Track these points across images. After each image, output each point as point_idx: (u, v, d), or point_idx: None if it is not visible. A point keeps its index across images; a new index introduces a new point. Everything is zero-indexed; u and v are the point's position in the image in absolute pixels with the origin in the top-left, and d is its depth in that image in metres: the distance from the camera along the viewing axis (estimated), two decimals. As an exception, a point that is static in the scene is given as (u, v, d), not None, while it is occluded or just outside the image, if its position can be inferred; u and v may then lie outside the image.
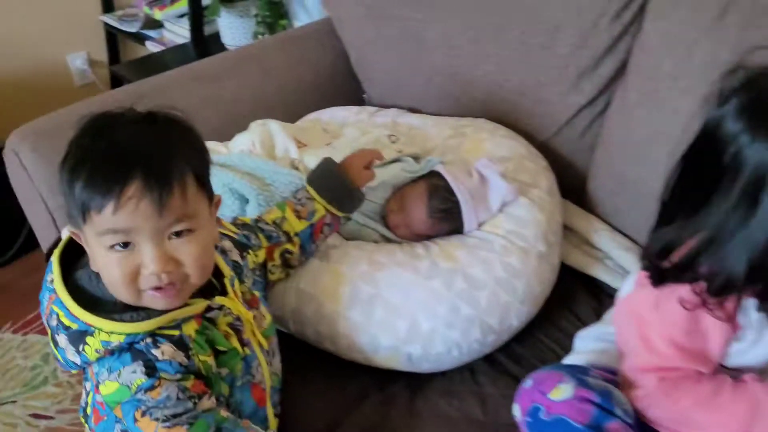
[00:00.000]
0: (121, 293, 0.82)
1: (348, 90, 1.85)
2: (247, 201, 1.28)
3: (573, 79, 1.39)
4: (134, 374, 0.80)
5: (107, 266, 0.81)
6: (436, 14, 1.56)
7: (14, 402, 1.90)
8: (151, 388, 0.80)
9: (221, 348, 0.91)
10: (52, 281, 0.86)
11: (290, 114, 1.71)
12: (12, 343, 2.12)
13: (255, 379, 0.98)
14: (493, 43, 1.48)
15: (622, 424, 0.90)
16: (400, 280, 1.14)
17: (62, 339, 0.82)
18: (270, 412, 1.02)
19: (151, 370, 0.81)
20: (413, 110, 1.67)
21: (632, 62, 1.33)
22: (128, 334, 0.81)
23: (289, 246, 1.13)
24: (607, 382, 0.95)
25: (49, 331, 0.86)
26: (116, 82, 2.97)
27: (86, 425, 0.97)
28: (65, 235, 0.89)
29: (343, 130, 1.50)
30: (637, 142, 1.29)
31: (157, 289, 0.81)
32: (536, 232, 1.23)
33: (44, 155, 1.43)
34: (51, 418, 1.84)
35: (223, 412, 0.89)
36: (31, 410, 1.87)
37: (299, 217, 1.14)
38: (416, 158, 1.38)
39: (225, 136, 1.60)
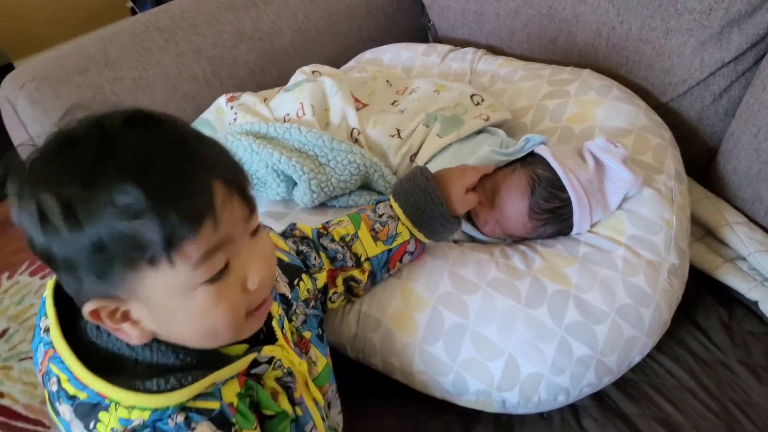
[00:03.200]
0: (223, 335, 0.63)
1: (408, 17, 1.53)
2: (295, 184, 1.02)
3: (717, 27, 1.06)
4: None
5: (207, 310, 0.59)
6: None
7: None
8: None
9: (268, 413, 0.70)
10: (47, 330, 0.63)
11: (340, 48, 1.42)
12: (30, 288, 1.94)
13: None
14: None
15: None
16: (495, 307, 0.89)
17: (65, 410, 0.61)
18: None
19: None
20: (493, 49, 1.36)
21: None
22: (155, 410, 0.59)
23: (356, 273, 0.88)
24: None
25: (45, 393, 0.64)
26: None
27: None
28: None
29: (411, 82, 1.20)
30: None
31: (259, 305, 0.64)
32: (666, 239, 0.96)
33: (44, 106, 1.17)
34: (74, 379, 1.68)
35: None
36: (52, 369, 1.71)
37: (376, 238, 0.88)
38: (505, 124, 1.10)
39: (262, 77, 1.32)
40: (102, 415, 0.59)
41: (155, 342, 0.62)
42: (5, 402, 1.64)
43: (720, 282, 1.09)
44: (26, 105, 1.17)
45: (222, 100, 1.18)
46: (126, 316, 0.59)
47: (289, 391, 0.72)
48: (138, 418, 0.58)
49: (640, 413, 0.96)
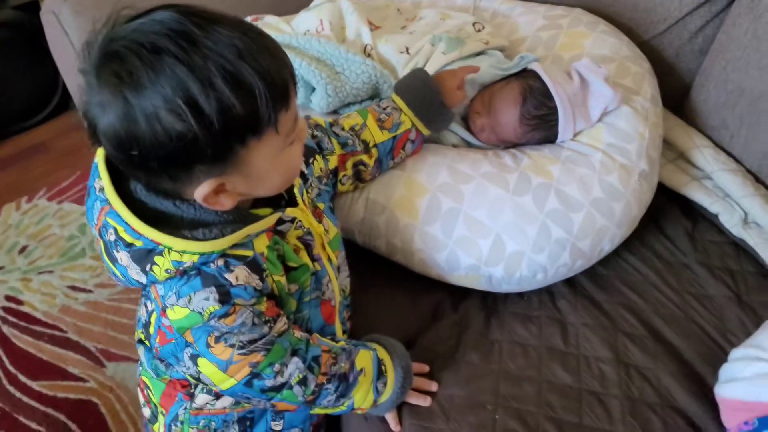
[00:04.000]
0: (290, 182, 0.80)
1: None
2: (313, 89, 1.15)
3: (694, -32, 1.20)
4: (206, 301, 0.71)
5: (291, 161, 0.75)
6: None
7: (51, 272, 1.86)
8: (226, 315, 0.72)
9: (292, 264, 0.83)
10: (102, 189, 0.73)
11: (354, -14, 1.53)
12: (47, 211, 2.05)
13: (325, 296, 0.90)
14: None
15: None
16: (486, 194, 1.02)
17: (123, 256, 0.71)
18: (339, 328, 0.95)
19: (225, 296, 0.71)
20: (495, -9, 1.48)
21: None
22: (203, 254, 0.70)
23: (364, 157, 1.00)
24: None
25: (101, 243, 0.74)
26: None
27: (145, 343, 0.90)
28: None
29: (419, 12, 1.32)
30: (765, 50, 1.12)
31: None
32: (639, 148, 1.09)
33: (87, 18, 1.28)
34: (89, 291, 1.80)
35: (297, 333, 0.83)
36: (69, 282, 1.83)
37: (382, 127, 1.01)
38: (502, 51, 1.22)
39: (282, 8, 1.43)
40: (157, 258, 0.69)
41: (200, 207, 0.72)
42: (25, 309, 1.76)
43: (687, 198, 1.23)
44: (69, 15, 1.28)
45: (247, 20, 1.30)
46: (221, 189, 0.70)
47: (308, 247, 0.85)
48: (189, 260, 0.69)
49: (609, 300, 1.10)
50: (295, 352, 0.81)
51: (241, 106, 0.62)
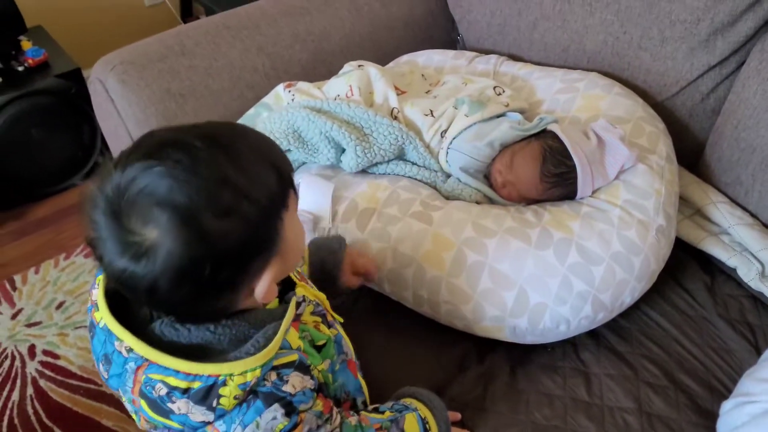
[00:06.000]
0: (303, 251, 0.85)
1: (441, 31, 1.75)
2: (343, 150, 1.22)
3: (704, 35, 1.26)
4: (275, 420, 0.70)
5: (301, 237, 0.78)
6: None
7: (87, 327, 1.92)
8: (294, 427, 0.72)
9: (319, 343, 0.83)
10: (129, 350, 0.70)
11: (381, 53, 1.62)
12: (84, 267, 2.13)
13: (348, 356, 0.91)
14: (615, -13, 1.35)
15: None
16: (509, 248, 1.07)
17: (181, 405, 0.68)
18: (362, 381, 0.97)
19: (289, 408, 0.71)
20: (513, 57, 1.56)
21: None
22: (264, 365, 0.69)
23: None
24: None
25: (145, 406, 0.70)
26: (186, 3, 2.89)
27: None
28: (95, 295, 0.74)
29: (442, 77, 1.40)
30: (774, 110, 1.17)
31: None
32: (656, 204, 1.14)
33: (131, 86, 1.38)
34: (123, 346, 1.85)
35: (349, 418, 0.84)
36: (103, 337, 1.88)
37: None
38: (522, 112, 1.29)
39: (313, 74, 1.52)
40: (222, 390, 0.67)
41: (229, 320, 0.72)
42: (62, 363, 1.82)
43: (704, 253, 1.26)
44: (115, 84, 1.38)
45: (280, 87, 1.39)
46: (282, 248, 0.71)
47: (323, 317, 0.86)
48: (252, 378, 0.68)
49: (631, 351, 1.13)
50: None
51: (273, 175, 0.68)
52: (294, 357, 0.73)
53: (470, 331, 1.11)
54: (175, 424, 0.70)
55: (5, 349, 1.86)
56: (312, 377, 0.75)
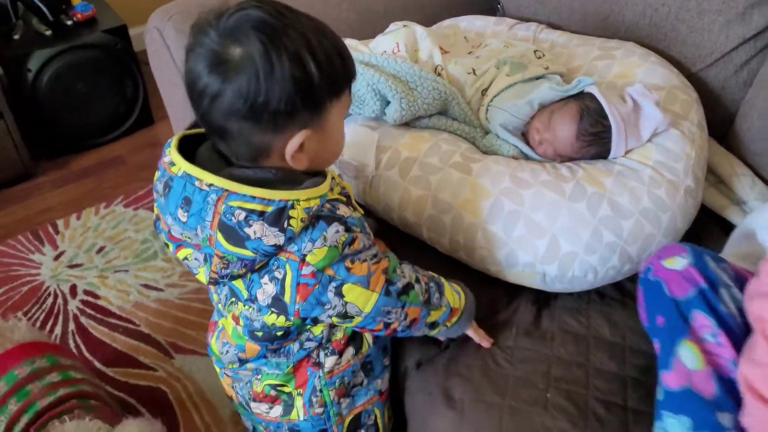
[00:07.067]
0: (340, 150, 0.95)
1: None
2: (388, 103, 1.28)
3: (741, 8, 1.31)
4: (338, 233, 0.84)
5: (341, 135, 0.92)
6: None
7: (126, 271, 2.01)
8: (353, 241, 0.86)
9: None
10: (209, 186, 0.81)
11: (424, 16, 1.68)
12: (124, 216, 2.22)
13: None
14: (656, -40, 1.40)
15: (712, 322, 0.88)
16: (544, 199, 1.13)
17: (257, 227, 0.80)
18: None
19: (346, 225, 0.85)
20: (552, 26, 1.61)
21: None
22: (322, 195, 0.84)
23: None
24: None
25: (219, 238, 0.81)
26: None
27: (274, 318, 0.92)
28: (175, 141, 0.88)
29: (484, 40, 1.46)
30: (805, 83, 1.22)
31: None
32: (686, 166, 1.19)
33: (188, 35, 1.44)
34: (161, 290, 1.94)
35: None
36: (142, 280, 1.97)
37: None
38: (561, 76, 1.34)
39: (360, 33, 1.58)
40: (291, 212, 0.80)
41: (283, 170, 0.86)
42: (102, 303, 1.91)
43: (726, 220, 1.32)
44: (173, 32, 1.44)
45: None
46: (301, 147, 0.84)
47: (348, 198, 0.98)
48: (314, 204, 0.82)
49: (654, 305, 1.19)
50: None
51: (339, 61, 0.82)
52: (341, 196, 0.93)
53: (502, 277, 1.17)
54: (248, 252, 0.81)
55: (48, 288, 1.96)
56: (355, 209, 0.91)
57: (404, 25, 1.43)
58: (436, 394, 1.07)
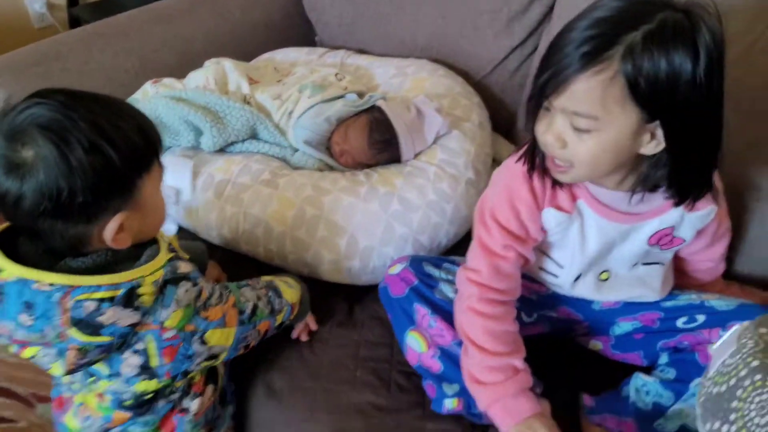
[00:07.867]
0: (165, 216, 0.97)
1: (301, 32, 1.95)
2: (201, 133, 1.39)
3: (504, 22, 1.51)
4: (188, 292, 0.88)
5: (161, 203, 0.94)
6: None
7: None
8: (200, 292, 0.91)
9: None
10: (52, 286, 0.80)
11: (243, 53, 1.80)
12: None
13: None
14: (435, -12, 1.59)
15: (428, 310, 1.10)
16: (341, 203, 1.27)
17: (110, 313, 0.81)
18: None
19: (191, 281, 0.90)
20: (362, 51, 1.78)
21: (557, 6, 1.45)
22: (166, 263, 0.87)
23: None
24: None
25: (73, 332, 0.81)
26: (75, 24, 2.99)
27: (144, 385, 0.93)
28: None
29: (293, 69, 1.60)
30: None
31: None
32: (466, 161, 1.36)
33: (6, 89, 1.51)
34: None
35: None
36: None
37: None
38: (361, 95, 1.50)
39: (180, 74, 1.69)
40: (140, 290, 0.82)
41: (113, 251, 0.86)
42: None
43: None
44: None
45: (148, 84, 1.55)
46: (121, 228, 0.84)
47: (172, 247, 1.00)
48: (160, 276, 0.85)
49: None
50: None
51: (140, 138, 0.83)
52: (173, 254, 0.92)
53: (315, 276, 1.29)
54: (105, 338, 0.82)
55: None
56: (181, 258, 0.93)
57: (216, 62, 1.56)
58: (260, 388, 1.17)
